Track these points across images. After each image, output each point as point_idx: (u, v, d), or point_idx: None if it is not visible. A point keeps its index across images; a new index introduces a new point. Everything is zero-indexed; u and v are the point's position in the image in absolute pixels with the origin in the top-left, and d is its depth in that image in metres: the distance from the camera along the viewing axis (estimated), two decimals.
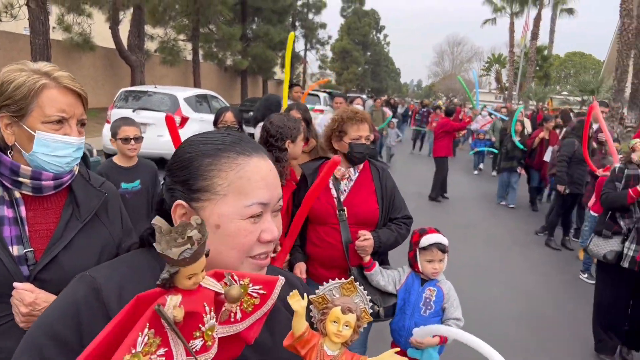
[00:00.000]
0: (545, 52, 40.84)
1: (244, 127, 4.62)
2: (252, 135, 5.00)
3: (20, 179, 1.45)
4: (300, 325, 0.89)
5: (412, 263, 2.76)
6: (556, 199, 7.50)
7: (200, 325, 0.77)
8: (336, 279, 0.97)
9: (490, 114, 14.85)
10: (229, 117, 3.94)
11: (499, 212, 9.52)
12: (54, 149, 1.44)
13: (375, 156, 6.99)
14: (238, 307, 0.85)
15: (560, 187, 7.02)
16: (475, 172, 14.12)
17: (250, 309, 0.86)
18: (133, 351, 0.70)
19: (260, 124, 3.14)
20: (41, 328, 0.85)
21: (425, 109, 18.97)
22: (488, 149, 13.47)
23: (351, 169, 2.79)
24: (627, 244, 3.91)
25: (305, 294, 0.91)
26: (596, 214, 5.94)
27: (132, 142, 3.34)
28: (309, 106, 7.22)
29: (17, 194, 1.47)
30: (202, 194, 0.91)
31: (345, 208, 2.70)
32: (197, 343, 0.77)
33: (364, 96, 14.46)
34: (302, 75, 40.43)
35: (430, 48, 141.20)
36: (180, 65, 21.91)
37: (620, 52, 16.59)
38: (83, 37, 16.01)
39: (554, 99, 30.67)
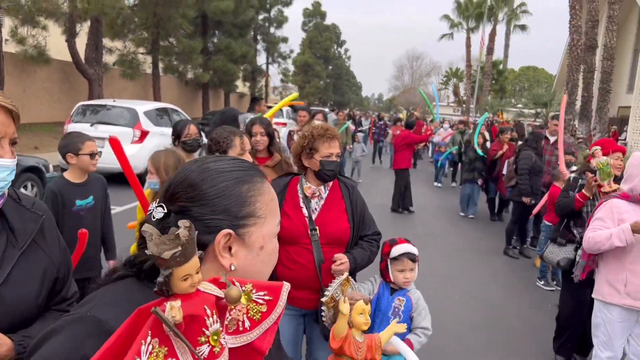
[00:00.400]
0: (501, 67, 42.20)
1: None
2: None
3: None
4: (345, 326, 1.01)
5: (384, 273, 2.80)
6: (515, 209, 7.72)
7: (204, 329, 0.77)
8: (334, 281, 1.06)
9: (451, 127, 15.25)
10: (193, 129, 3.95)
11: (460, 223, 9.73)
12: None
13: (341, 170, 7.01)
14: (245, 315, 0.85)
15: (526, 199, 7.21)
16: (436, 184, 14.37)
17: (258, 317, 0.86)
18: None
19: None
20: None
21: (382, 122, 19.24)
22: (447, 155, 13.74)
23: (322, 187, 2.75)
24: (579, 251, 4.01)
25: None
26: (550, 223, 6.16)
27: (97, 157, 3.26)
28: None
29: None
30: (248, 220, 0.93)
31: (317, 227, 2.64)
32: (204, 349, 0.76)
33: (327, 110, 14.56)
34: (265, 89, 40.46)
35: (390, 62, 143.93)
36: (140, 78, 21.60)
37: (570, 67, 17.30)
38: (38, 49, 15.58)
39: (510, 111, 31.68)
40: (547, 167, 7.41)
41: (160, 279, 0.74)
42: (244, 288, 0.85)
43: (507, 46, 42.27)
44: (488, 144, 10.37)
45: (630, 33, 21.11)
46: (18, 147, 1.40)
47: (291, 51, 41.15)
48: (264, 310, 0.87)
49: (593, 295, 3.55)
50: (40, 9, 13.85)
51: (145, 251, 0.73)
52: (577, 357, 4.35)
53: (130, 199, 7.67)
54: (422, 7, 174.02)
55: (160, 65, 23.04)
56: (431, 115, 12.23)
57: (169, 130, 10.29)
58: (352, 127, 15.59)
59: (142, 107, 10.73)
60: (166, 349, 0.73)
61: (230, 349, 0.82)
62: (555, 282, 6.14)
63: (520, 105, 34.66)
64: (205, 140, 4.68)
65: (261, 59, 38.92)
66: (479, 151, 9.66)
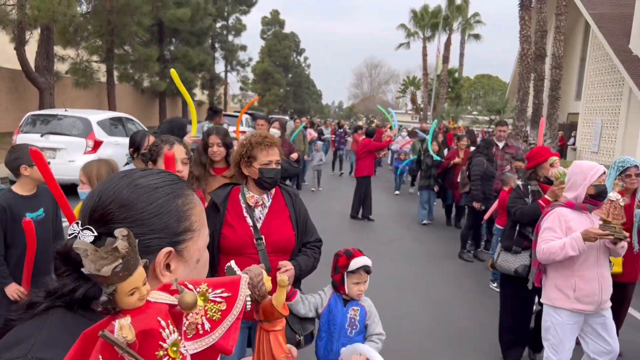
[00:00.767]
0: (457, 75, 43.20)
1: None
2: None
3: None
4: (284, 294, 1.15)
5: (338, 285, 2.76)
6: (469, 214, 7.91)
7: (160, 342, 0.72)
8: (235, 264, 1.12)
9: (409, 134, 15.51)
10: (152, 141, 3.87)
11: (417, 229, 9.89)
12: None
13: (297, 174, 7.02)
14: (204, 317, 0.80)
15: (477, 204, 7.41)
16: (397, 192, 14.54)
17: (218, 316, 0.82)
18: None
19: None
20: None
21: (341, 130, 19.37)
22: (408, 163, 13.94)
23: (265, 196, 2.72)
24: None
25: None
26: (501, 227, 6.35)
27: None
28: (230, 128, 7.19)
29: None
30: (186, 234, 0.92)
31: (263, 236, 2.60)
32: None
33: (287, 117, 14.56)
34: (224, 97, 40.15)
35: (349, 70, 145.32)
36: (93, 87, 21.05)
37: (521, 75, 17.93)
38: None
39: (465, 118, 32.49)
40: (498, 173, 7.65)
41: (103, 297, 0.68)
42: (198, 289, 0.81)
43: (462, 55, 43.38)
44: (446, 151, 10.60)
45: (577, 43, 22.05)
46: None
47: (250, 59, 41.03)
48: (224, 308, 0.83)
49: (542, 301, 3.63)
50: None
51: (82, 270, 0.67)
52: (537, 356, 4.44)
53: None
54: (380, 16, 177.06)
55: (115, 73, 22.55)
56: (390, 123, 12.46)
57: (123, 140, 10.14)
58: (314, 135, 15.63)
59: (96, 116, 10.47)
60: None
61: (192, 354, 0.78)
62: None
63: (475, 112, 35.65)
64: None
65: (220, 67, 38.67)
66: (436, 157, 9.85)
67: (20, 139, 9.28)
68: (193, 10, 24.92)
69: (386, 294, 5.90)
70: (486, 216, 7.08)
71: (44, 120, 10.25)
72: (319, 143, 15.32)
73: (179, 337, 0.76)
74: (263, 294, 1.12)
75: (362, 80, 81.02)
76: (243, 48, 38.42)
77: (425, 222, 10.20)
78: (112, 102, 21.39)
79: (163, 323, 0.73)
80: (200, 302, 0.80)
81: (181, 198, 0.93)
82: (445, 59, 37.02)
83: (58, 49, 18.62)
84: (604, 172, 3.45)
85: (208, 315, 0.81)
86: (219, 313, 0.82)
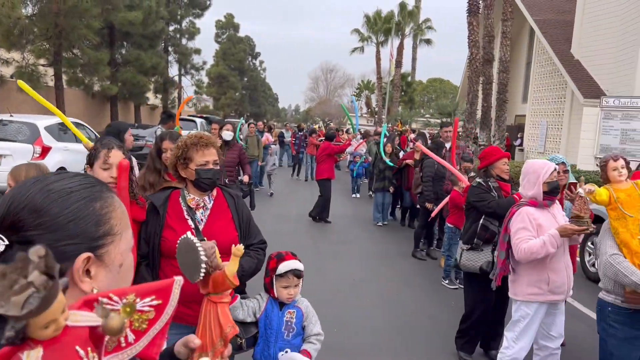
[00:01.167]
0: (409, 79, 44.03)
1: None
2: None
3: None
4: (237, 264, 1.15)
5: (269, 289, 2.74)
6: (422, 214, 8.12)
7: None
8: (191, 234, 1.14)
9: (362, 137, 15.70)
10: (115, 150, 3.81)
11: (373, 230, 10.08)
12: None
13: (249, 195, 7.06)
14: (128, 329, 0.75)
15: (429, 205, 7.61)
16: (354, 195, 14.65)
17: (144, 326, 0.77)
18: None
19: None
20: None
21: (301, 133, 19.45)
22: (360, 163, 14.14)
23: (205, 197, 2.67)
24: (496, 252, 4.09)
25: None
26: (452, 225, 6.57)
27: None
28: (185, 132, 7.14)
29: None
30: (106, 239, 0.88)
31: (205, 238, 2.50)
32: None
33: (242, 120, 14.44)
34: (178, 101, 39.51)
35: (305, 74, 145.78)
36: (41, 91, 20.30)
37: (470, 79, 18.51)
38: None
39: (418, 121, 33.21)
40: (448, 173, 7.89)
41: (10, 333, 0.56)
42: (125, 300, 0.75)
43: (414, 59, 44.30)
44: (401, 154, 10.85)
45: (523, 47, 22.88)
46: None
47: (204, 62, 40.53)
48: (152, 317, 0.79)
49: (512, 297, 3.76)
50: None
51: None
52: (493, 352, 4.48)
53: None
54: (335, 21, 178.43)
55: (64, 77, 21.85)
56: (347, 126, 12.62)
57: (73, 146, 9.90)
58: (270, 139, 15.61)
59: (43, 121, 10.18)
60: None
61: None
62: (458, 281, 6.54)
63: (427, 115, 36.47)
64: None
65: (173, 71, 38.04)
66: (388, 161, 10.06)
67: None
68: (145, 14, 24.44)
69: (340, 292, 6.03)
70: (433, 214, 7.28)
71: None
72: (273, 147, 15.30)
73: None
74: (215, 265, 1.17)
75: (318, 83, 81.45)
76: (197, 51, 37.92)
77: (381, 223, 10.39)
78: (60, 106, 20.66)
79: (82, 353, 0.65)
80: (126, 315, 0.74)
81: (99, 201, 0.89)
82: (398, 64, 37.67)
83: (2, 52, 17.94)
84: (555, 169, 3.63)
85: (133, 327, 0.76)
86: (146, 323, 0.78)
